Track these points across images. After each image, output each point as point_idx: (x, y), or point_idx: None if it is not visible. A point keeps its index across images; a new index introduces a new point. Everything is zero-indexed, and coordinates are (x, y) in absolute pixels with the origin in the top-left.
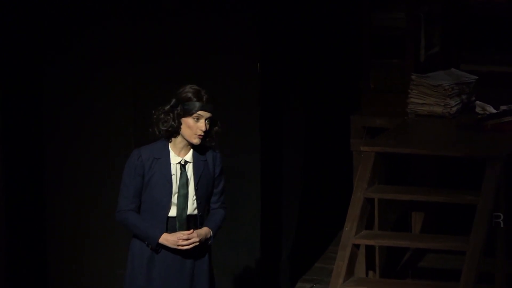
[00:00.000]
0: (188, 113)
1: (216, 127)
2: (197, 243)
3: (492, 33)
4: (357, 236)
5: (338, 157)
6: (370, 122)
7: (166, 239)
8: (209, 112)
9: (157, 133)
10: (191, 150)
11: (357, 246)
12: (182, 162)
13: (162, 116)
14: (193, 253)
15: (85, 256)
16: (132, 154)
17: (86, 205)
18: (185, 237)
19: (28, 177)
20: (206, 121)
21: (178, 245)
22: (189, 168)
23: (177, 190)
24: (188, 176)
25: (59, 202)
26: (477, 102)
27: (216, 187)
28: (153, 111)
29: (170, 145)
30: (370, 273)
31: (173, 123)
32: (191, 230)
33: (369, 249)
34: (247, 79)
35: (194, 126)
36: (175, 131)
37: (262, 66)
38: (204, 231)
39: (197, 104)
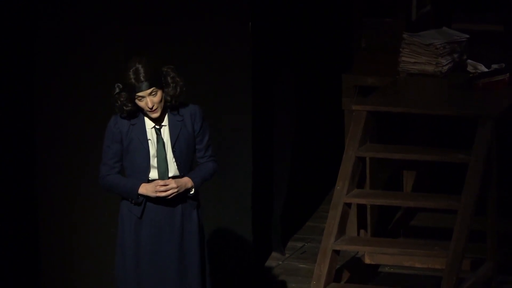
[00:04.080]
0: (132, 96)
1: (174, 91)
2: (176, 191)
3: None
4: (348, 195)
5: (329, 116)
6: (361, 80)
7: (146, 188)
8: (146, 90)
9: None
10: (166, 113)
11: (348, 205)
12: (157, 126)
13: (116, 103)
14: (181, 212)
15: (76, 253)
16: (110, 120)
17: (81, 199)
18: (162, 182)
19: (19, 163)
20: (151, 96)
21: (156, 192)
22: (165, 131)
23: (155, 154)
24: (165, 139)
25: (51, 191)
26: (469, 61)
27: (199, 143)
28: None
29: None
30: (362, 232)
31: (125, 108)
32: (169, 179)
33: (361, 208)
34: (238, 39)
35: (142, 106)
36: (136, 110)
37: (253, 25)
38: (184, 180)
39: (135, 87)
